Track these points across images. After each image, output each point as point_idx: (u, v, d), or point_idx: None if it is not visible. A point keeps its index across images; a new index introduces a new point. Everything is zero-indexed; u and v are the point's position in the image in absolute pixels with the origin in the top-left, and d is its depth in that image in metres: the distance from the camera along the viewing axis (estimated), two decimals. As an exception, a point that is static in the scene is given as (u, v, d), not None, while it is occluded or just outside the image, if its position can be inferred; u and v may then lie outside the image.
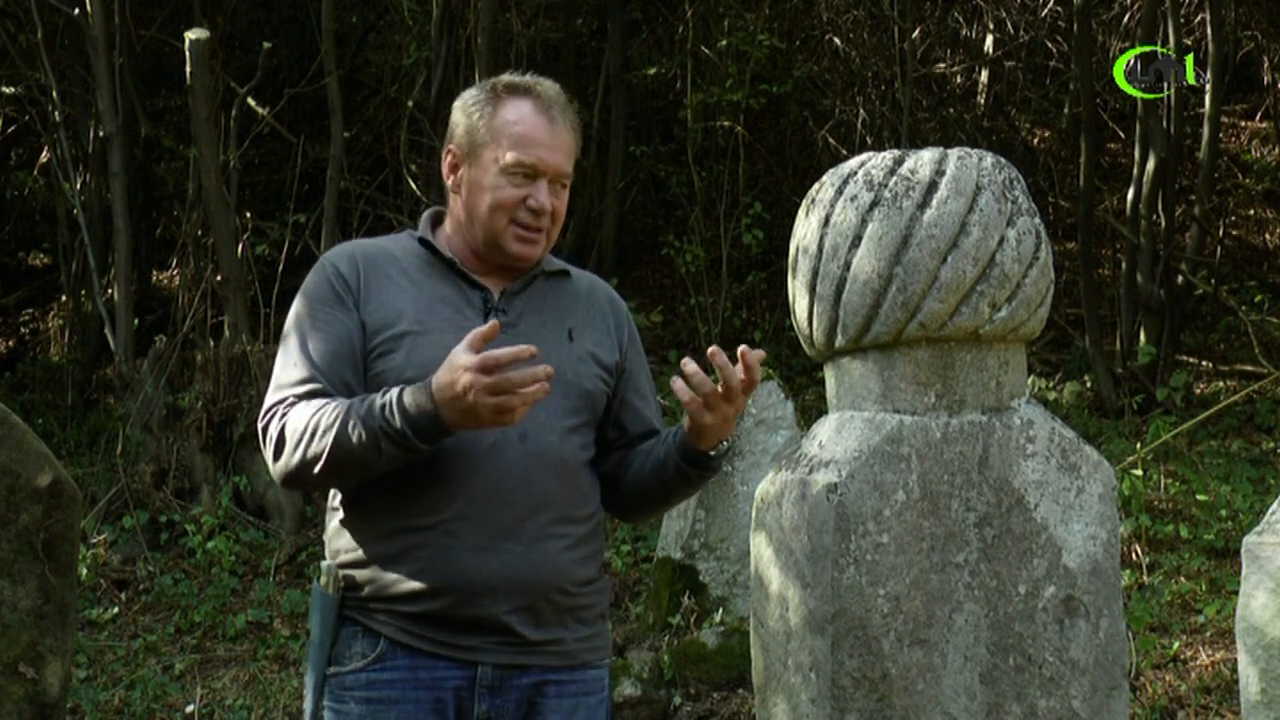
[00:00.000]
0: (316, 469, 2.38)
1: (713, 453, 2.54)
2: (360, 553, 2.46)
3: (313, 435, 2.36)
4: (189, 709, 5.77)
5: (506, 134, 2.51)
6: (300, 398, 2.42)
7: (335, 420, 2.34)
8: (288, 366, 2.47)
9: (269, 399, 2.47)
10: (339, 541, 2.50)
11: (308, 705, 2.50)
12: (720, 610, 5.71)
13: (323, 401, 2.39)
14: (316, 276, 2.54)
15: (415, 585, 2.40)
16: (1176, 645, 5.65)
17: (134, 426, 8.08)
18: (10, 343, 11.76)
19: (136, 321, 8.96)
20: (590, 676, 2.55)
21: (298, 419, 2.39)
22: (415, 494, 2.40)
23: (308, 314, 2.50)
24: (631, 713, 5.24)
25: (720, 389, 2.43)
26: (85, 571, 6.78)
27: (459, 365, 2.26)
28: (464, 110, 2.58)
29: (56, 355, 11.01)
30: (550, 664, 2.48)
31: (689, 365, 2.43)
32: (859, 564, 2.83)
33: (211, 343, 8.18)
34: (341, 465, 2.36)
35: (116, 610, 6.82)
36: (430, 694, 2.42)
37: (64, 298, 11.24)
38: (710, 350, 2.44)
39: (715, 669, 5.42)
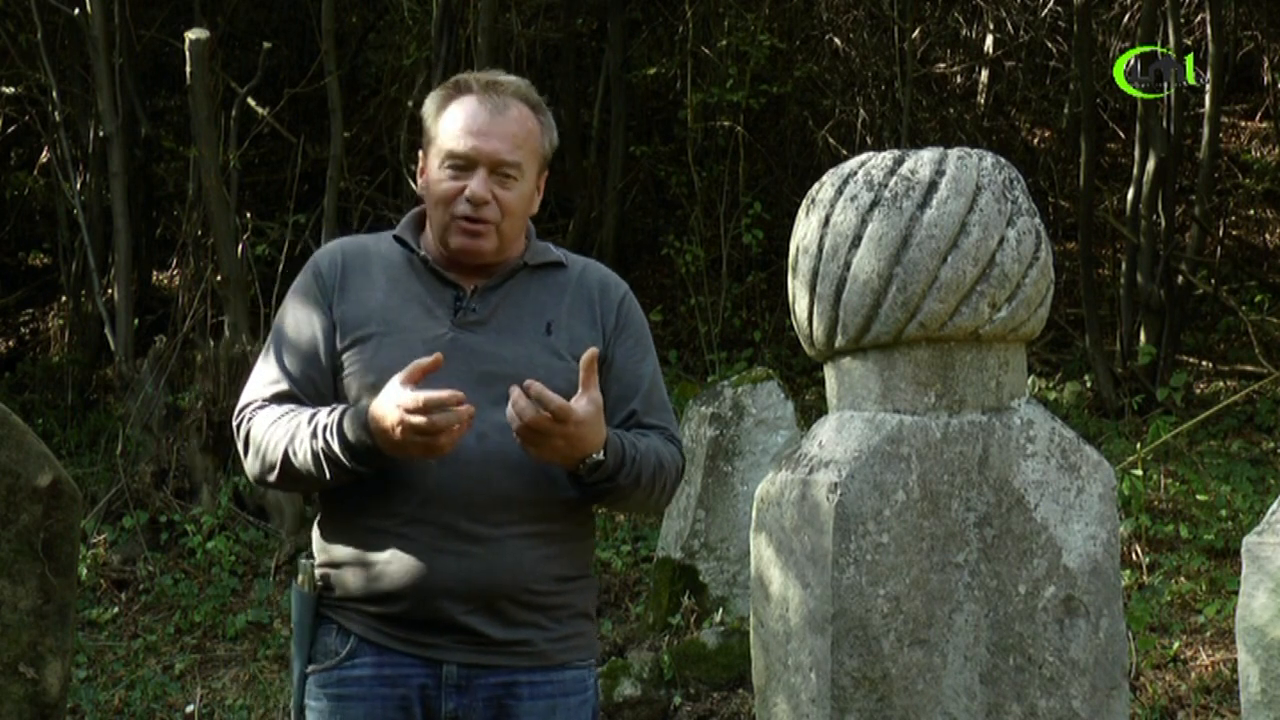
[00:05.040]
0: (272, 478, 2.47)
1: (580, 471, 2.40)
2: (331, 553, 2.50)
3: (268, 446, 2.43)
4: (189, 709, 5.76)
5: (446, 128, 2.51)
6: (268, 400, 2.49)
7: (287, 435, 2.41)
8: (262, 367, 2.54)
9: (242, 398, 2.54)
10: (316, 541, 2.55)
11: (293, 703, 2.53)
12: (720, 610, 5.71)
13: (283, 411, 2.44)
14: (301, 276, 2.58)
15: (377, 588, 2.42)
16: (1176, 645, 5.65)
17: (134, 426, 8.08)
18: (10, 343, 11.76)
19: (136, 321, 8.96)
20: (569, 677, 2.51)
21: (259, 426, 2.46)
22: (376, 496, 2.42)
23: (287, 314, 2.56)
24: (631, 713, 5.24)
25: (546, 415, 2.32)
26: (85, 571, 6.78)
27: (393, 401, 2.29)
28: (423, 112, 2.59)
29: (56, 355, 11.01)
30: (520, 664, 2.46)
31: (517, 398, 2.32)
32: (859, 564, 2.83)
33: (211, 343, 8.17)
34: (293, 478, 2.45)
35: (116, 610, 6.81)
36: (396, 691, 2.43)
37: (64, 298, 11.24)
38: (526, 383, 2.32)
39: (715, 669, 5.42)
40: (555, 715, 2.49)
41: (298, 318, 2.53)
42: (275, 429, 2.42)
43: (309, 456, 2.38)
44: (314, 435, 2.37)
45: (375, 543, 2.42)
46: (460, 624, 2.41)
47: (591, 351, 2.38)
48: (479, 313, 2.50)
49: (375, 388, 2.40)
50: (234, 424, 2.52)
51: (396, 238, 2.58)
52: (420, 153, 2.62)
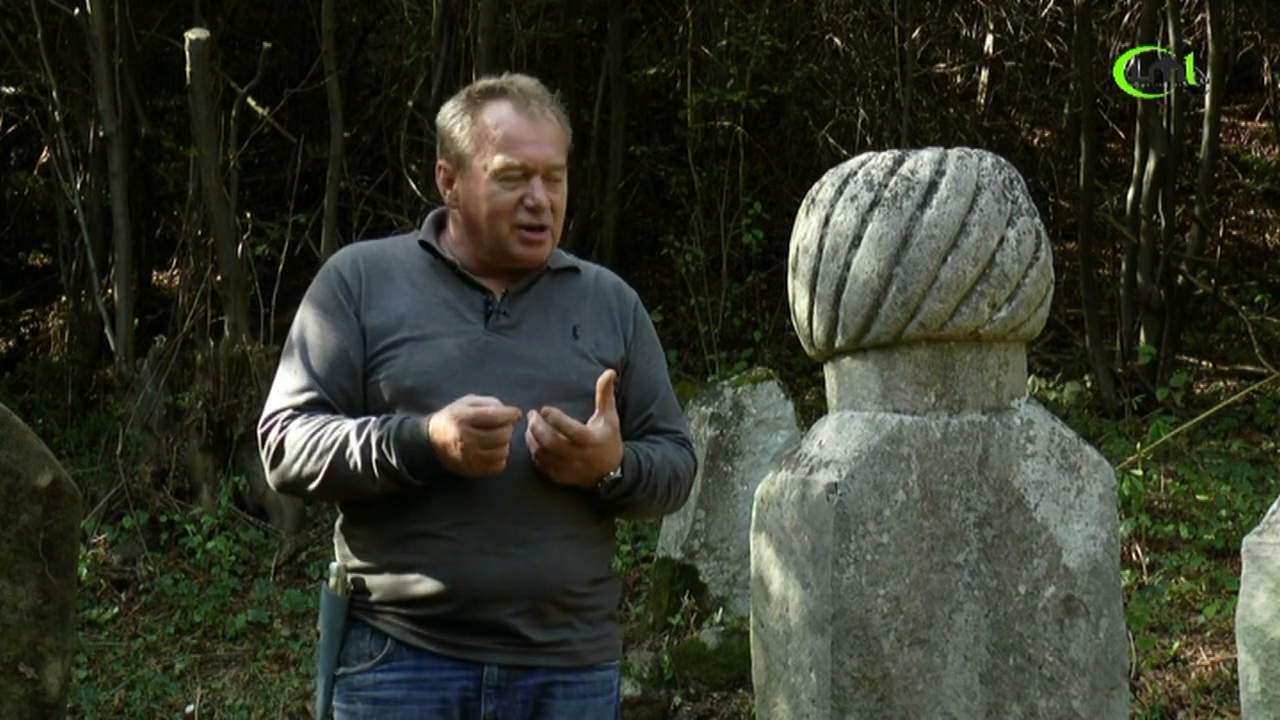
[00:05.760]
0: (311, 487, 2.44)
1: (598, 489, 2.46)
2: (366, 557, 2.49)
3: (309, 455, 2.42)
4: (189, 709, 5.77)
5: (489, 139, 2.51)
6: (299, 409, 2.47)
7: (333, 445, 2.39)
8: (288, 374, 2.52)
9: (269, 406, 2.52)
10: (346, 545, 2.54)
11: (319, 706, 2.53)
12: (720, 610, 5.71)
13: (323, 420, 2.44)
14: (320, 282, 2.57)
15: (420, 590, 2.42)
16: (1176, 645, 5.65)
17: (134, 426, 8.08)
18: (10, 343, 11.76)
19: (136, 321, 8.96)
20: (598, 678, 2.55)
21: (296, 434, 2.44)
22: (418, 500, 2.42)
23: (310, 321, 2.54)
24: (631, 713, 5.24)
25: (564, 439, 2.38)
26: (85, 571, 6.79)
27: (455, 416, 2.31)
28: (446, 124, 2.58)
29: (56, 355, 11.01)
30: (557, 665, 2.48)
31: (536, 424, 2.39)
32: (859, 564, 2.83)
33: (211, 343, 8.18)
34: (336, 487, 2.43)
35: (116, 610, 6.82)
36: (435, 694, 2.44)
37: (64, 298, 11.24)
38: (544, 409, 2.39)
39: (715, 669, 5.42)
40: (585, 715, 2.52)
41: (322, 325, 2.52)
42: (317, 439, 2.41)
43: (360, 467, 2.37)
44: (366, 447, 2.37)
45: (417, 546, 2.43)
46: (505, 626, 2.42)
47: (608, 374, 2.42)
48: (510, 316, 2.52)
49: (411, 392, 2.42)
50: (260, 432, 2.51)
51: (422, 243, 2.58)
52: (442, 165, 2.60)
